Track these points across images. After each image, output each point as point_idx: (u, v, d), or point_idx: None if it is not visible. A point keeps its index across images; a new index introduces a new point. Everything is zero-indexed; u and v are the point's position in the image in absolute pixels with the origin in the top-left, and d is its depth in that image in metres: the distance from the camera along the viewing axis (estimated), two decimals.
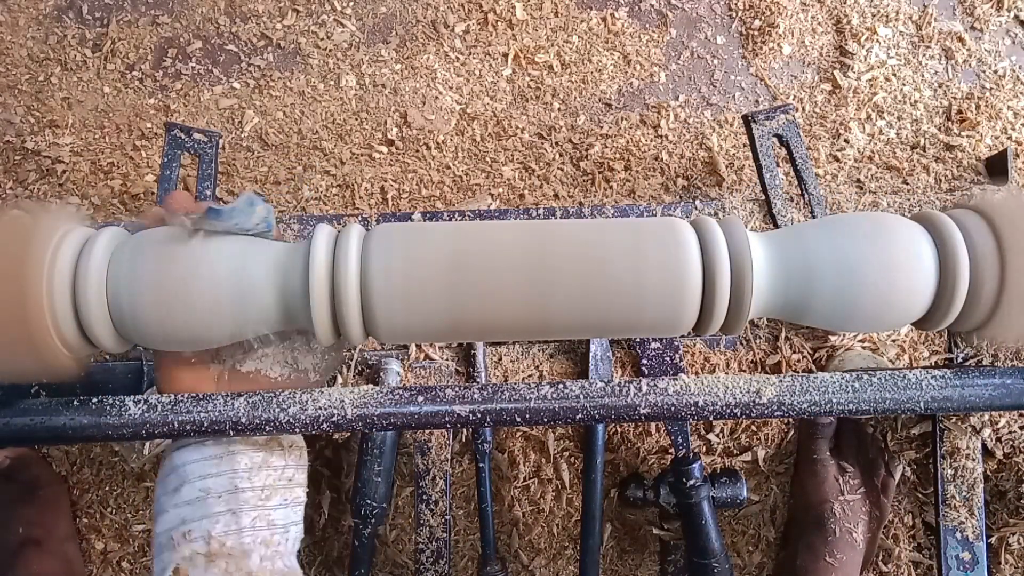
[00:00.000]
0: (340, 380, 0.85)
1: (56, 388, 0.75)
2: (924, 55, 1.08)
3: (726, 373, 0.88)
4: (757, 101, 1.07)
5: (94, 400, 0.55)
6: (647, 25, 1.09)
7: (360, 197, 1.01)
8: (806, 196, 0.89)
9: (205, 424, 0.54)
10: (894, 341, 0.89)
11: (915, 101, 1.06)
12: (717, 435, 0.90)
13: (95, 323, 0.49)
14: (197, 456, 0.54)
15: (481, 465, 0.85)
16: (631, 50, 1.08)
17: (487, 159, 1.03)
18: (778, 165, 0.90)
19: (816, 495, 0.84)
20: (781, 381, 0.56)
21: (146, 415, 0.54)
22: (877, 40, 1.08)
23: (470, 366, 0.86)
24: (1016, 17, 1.10)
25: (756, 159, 0.90)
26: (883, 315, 0.52)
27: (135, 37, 1.06)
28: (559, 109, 1.06)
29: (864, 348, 0.88)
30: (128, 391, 0.81)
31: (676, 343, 0.88)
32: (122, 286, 0.49)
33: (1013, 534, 0.86)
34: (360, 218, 0.89)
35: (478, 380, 0.86)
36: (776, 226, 0.89)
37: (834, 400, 0.56)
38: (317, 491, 0.90)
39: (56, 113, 1.02)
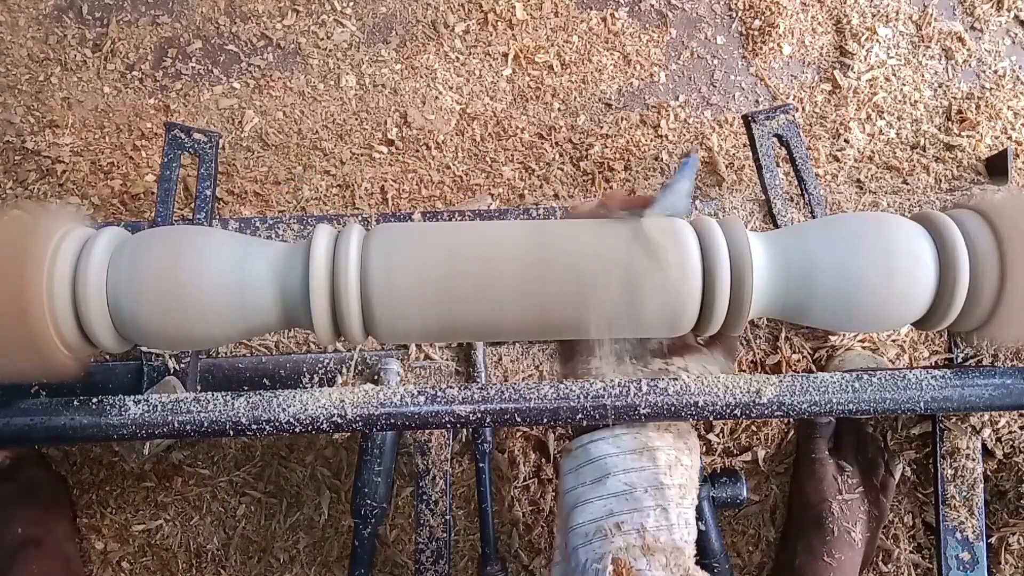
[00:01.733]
0: (340, 380, 0.85)
1: (56, 388, 0.75)
2: (924, 55, 1.08)
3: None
4: (757, 101, 1.07)
5: (94, 400, 0.55)
6: (647, 25, 1.09)
7: (360, 197, 1.01)
8: (806, 196, 0.89)
9: (205, 424, 0.54)
10: (894, 341, 0.89)
11: (915, 101, 1.06)
12: (717, 435, 0.90)
13: (95, 323, 0.49)
14: (615, 449, 0.55)
15: (481, 465, 0.85)
16: (631, 50, 1.08)
17: (487, 159, 1.03)
18: (778, 165, 0.90)
19: (814, 494, 0.84)
20: (781, 381, 0.56)
21: (146, 415, 0.54)
22: (877, 40, 1.08)
23: (470, 366, 0.86)
24: (1016, 17, 1.10)
25: (756, 159, 0.90)
26: (883, 315, 0.52)
27: (135, 37, 1.06)
28: (559, 109, 1.06)
29: (864, 348, 0.88)
30: (128, 391, 0.81)
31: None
32: (122, 286, 0.49)
33: (1013, 534, 0.86)
34: (360, 218, 0.89)
35: (478, 380, 0.86)
36: (776, 226, 0.89)
37: (834, 400, 0.56)
38: (317, 491, 0.90)
39: (56, 113, 1.02)
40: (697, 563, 0.74)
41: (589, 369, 0.58)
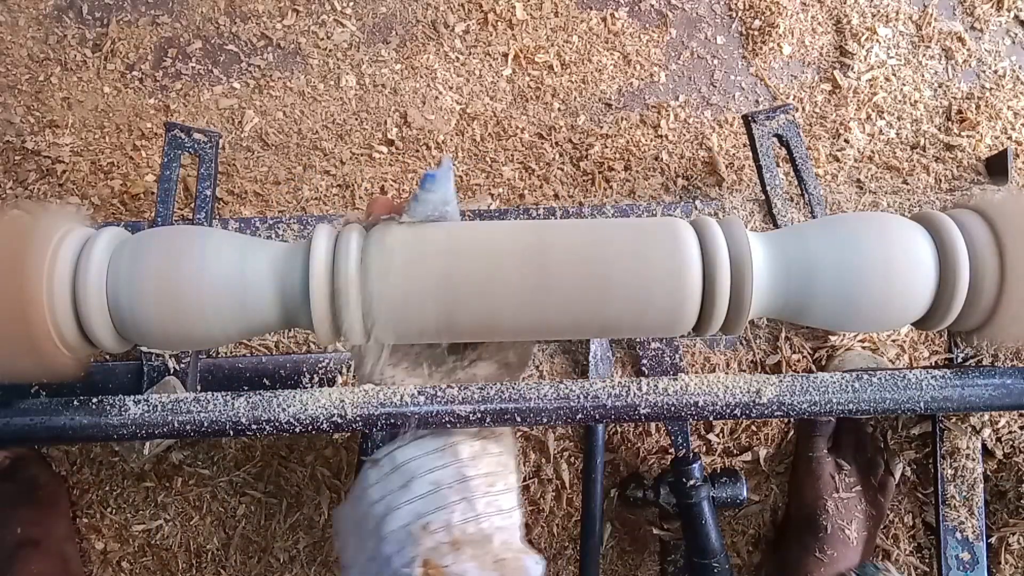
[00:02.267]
0: (340, 380, 0.85)
1: (56, 388, 0.75)
2: (924, 55, 1.08)
3: (726, 373, 0.88)
4: (757, 101, 1.07)
5: (94, 400, 0.55)
6: (647, 25, 1.09)
7: (360, 197, 1.01)
8: (806, 196, 0.89)
9: (205, 424, 0.54)
10: (894, 341, 0.89)
11: (915, 101, 1.06)
12: (717, 435, 0.90)
13: (95, 323, 0.49)
14: (419, 452, 0.55)
15: None
16: (631, 50, 1.08)
17: (487, 159, 1.03)
18: (778, 165, 0.90)
19: (811, 492, 0.85)
20: (781, 381, 0.56)
21: (146, 415, 0.54)
22: (877, 40, 1.08)
23: None
24: (1016, 17, 1.10)
25: (756, 159, 0.90)
26: (883, 315, 0.52)
27: (135, 37, 1.06)
28: (559, 109, 1.06)
29: (864, 348, 0.88)
30: (128, 391, 0.81)
31: (676, 343, 0.88)
32: (122, 286, 0.49)
33: (1013, 534, 0.86)
34: None
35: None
36: (776, 226, 0.89)
37: (834, 400, 0.56)
38: (317, 491, 0.90)
39: (56, 113, 1.02)
40: (697, 563, 0.74)
41: (384, 376, 0.58)
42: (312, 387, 0.75)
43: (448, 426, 0.55)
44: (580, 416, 0.55)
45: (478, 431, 0.57)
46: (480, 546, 0.52)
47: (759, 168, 0.89)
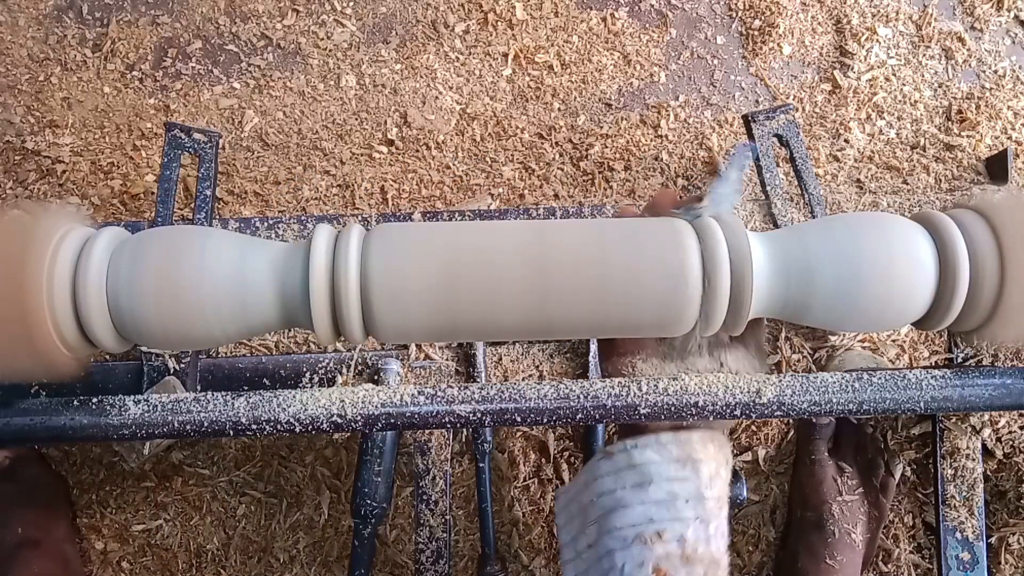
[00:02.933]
0: (340, 380, 0.85)
1: (56, 388, 0.75)
2: (924, 55, 1.08)
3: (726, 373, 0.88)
4: (757, 101, 1.07)
5: (94, 400, 0.55)
6: (647, 25, 1.09)
7: (360, 197, 1.01)
8: (806, 196, 0.89)
9: (205, 424, 0.54)
10: (894, 341, 0.89)
11: (915, 101, 1.06)
12: None
13: (95, 323, 0.49)
14: (659, 457, 0.55)
15: (481, 465, 0.85)
16: (631, 50, 1.08)
17: (487, 159, 1.03)
18: (778, 165, 0.90)
19: (814, 496, 0.84)
20: (781, 381, 0.56)
21: (146, 415, 0.54)
22: (877, 40, 1.08)
23: (470, 366, 0.86)
24: (1016, 17, 1.10)
25: (756, 159, 0.90)
26: (883, 315, 0.52)
27: (135, 37, 1.06)
28: (559, 109, 1.06)
29: (864, 348, 0.88)
30: (128, 391, 0.81)
31: None
32: (122, 286, 0.48)
33: (1013, 534, 0.86)
34: (360, 218, 0.89)
35: (478, 380, 0.86)
36: (776, 226, 0.89)
37: (834, 400, 0.56)
38: (317, 491, 0.90)
39: (56, 113, 1.02)
40: None
41: (632, 367, 0.59)
42: (312, 387, 0.75)
43: (448, 426, 0.55)
44: (580, 416, 0.55)
45: (716, 451, 0.57)
46: (711, 568, 0.53)
47: (759, 168, 0.89)
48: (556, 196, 1.02)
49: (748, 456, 0.90)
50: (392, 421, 0.55)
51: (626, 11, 1.09)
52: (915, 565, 0.88)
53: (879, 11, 1.09)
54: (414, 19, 1.08)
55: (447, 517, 0.82)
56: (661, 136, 1.05)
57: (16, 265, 0.46)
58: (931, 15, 1.09)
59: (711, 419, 0.56)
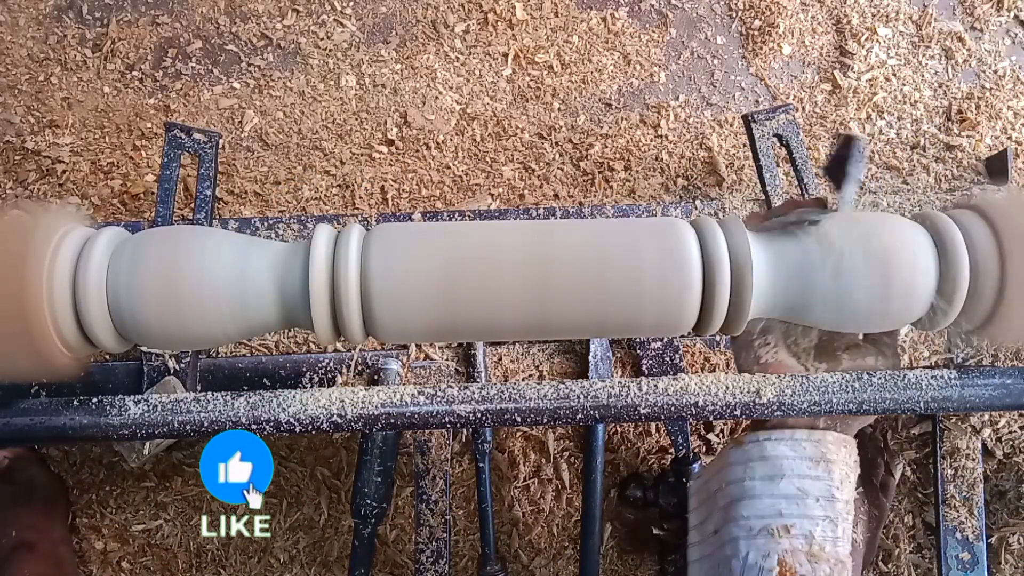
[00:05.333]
0: (340, 380, 0.85)
1: (56, 388, 0.75)
2: (924, 55, 1.08)
3: (726, 373, 0.88)
4: (757, 101, 1.07)
5: (94, 400, 0.55)
6: (647, 25, 1.09)
7: (360, 197, 1.01)
8: (806, 196, 0.89)
9: (205, 424, 0.54)
10: None
11: (915, 101, 1.06)
12: (717, 435, 0.90)
13: (95, 323, 0.49)
14: (793, 453, 0.55)
15: (481, 465, 0.85)
16: (631, 50, 1.08)
17: (487, 159, 1.03)
18: (778, 165, 0.90)
19: None
20: (781, 381, 0.56)
21: (146, 415, 0.54)
22: (877, 40, 1.08)
23: (470, 366, 0.86)
24: (1016, 17, 1.10)
25: (756, 159, 0.90)
26: (883, 315, 0.52)
27: (135, 37, 1.06)
28: (559, 109, 1.06)
29: None
30: (128, 391, 0.81)
31: (676, 343, 0.88)
32: (122, 286, 0.48)
33: (1013, 534, 0.86)
34: (360, 218, 0.89)
35: (478, 380, 0.86)
36: None
37: (834, 400, 0.56)
38: (317, 491, 0.90)
39: (56, 113, 1.02)
40: None
41: (762, 363, 0.59)
42: (312, 387, 0.75)
43: (448, 426, 0.55)
44: (580, 416, 0.55)
45: (845, 443, 0.57)
46: (837, 569, 0.53)
47: (759, 168, 0.89)
48: (556, 196, 1.02)
49: None
50: (392, 421, 0.55)
51: (626, 11, 1.09)
52: (915, 565, 0.88)
53: (879, 11, 1.09)
54: (414, 19, 1.08)
55: (447, 517, 0.82)
56: (661, 136, 1.05)
57: (16, 265, 0.46)
58: (931, 15, 1.09)
59: (711, 419, 0.56)
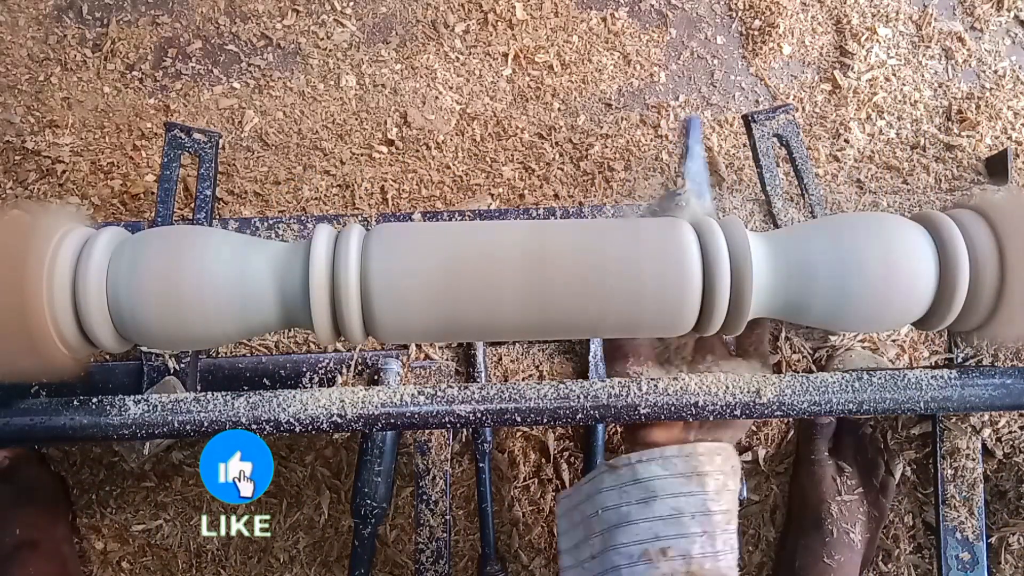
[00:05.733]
0: (340, 380, 0.85)
1: (56, 388, 0.75)
2: (924, 55, 1.08)
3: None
4: (757, 101, 1.07)
5: (94, 400, 0.55)
6: (647, 25, 1.09)
7: (360, 197, 1.01)
8: (806, 196, 0.89)
9: (205, 424, 0.54)
10: (894, 341, 0.89)
11: (915, 101, 1.06)
12: None
13: (95, 323, 0.49)
14: (664, 472, 0.55)
15: (481, 465, 0.85)
16: (631, 50, 1.08)
17: (487, 159, 1.03)
18: (778, 165, 0.90)
19: (814, 495, 0.84)
20: (781, 381, 0.56)
21: (146, 415, 0.54)
22: (877, 40, 1.08)
23: (470, 366, 0.86)
24: (1016, 17, 1.10)
25: (756, 159, 0.90)
26: (883, 315, 0.52)
27: (135, 37, 1.06)
28: (559, 109, 1.06)
29: (864, 348, 0.88)
30: (128, 391, 0.81)
31: None
32: (122, 286, 0.49)
33: (1013, 534, 0.86)
34: (360, 218, 0.89)
35: (478, 380, 0.86)
36: (776, 226, 0.89)
37: (834, 400, 0.56)
38: (317, 491, 0.90)
39: (56, 113, 1.02)
40: None
41: (630, 372, 0.59)
42: (312, 387, 0.75)
43: (448, 426, 0.55)
44: (580, 416, 0.55)
45: (723, 462, 0.56)
46: None
47: (759, 168, 0.89)
48: (556, 196, 1.02)
49: (748, 456, 0.90)
50: (392, 421, 0.55)
51: (626, 11, 1.09)
52: (915, 565, 0.88)
53: (879, 11, 1.09)
54: (414, 19, 1.08)
55: (447, 517, 0.82)
56: (661, 136, 1.05)
57: (16, 265, 0.46)
58: (931, 15, 1.09)
59: (711, 419, 0.56)
